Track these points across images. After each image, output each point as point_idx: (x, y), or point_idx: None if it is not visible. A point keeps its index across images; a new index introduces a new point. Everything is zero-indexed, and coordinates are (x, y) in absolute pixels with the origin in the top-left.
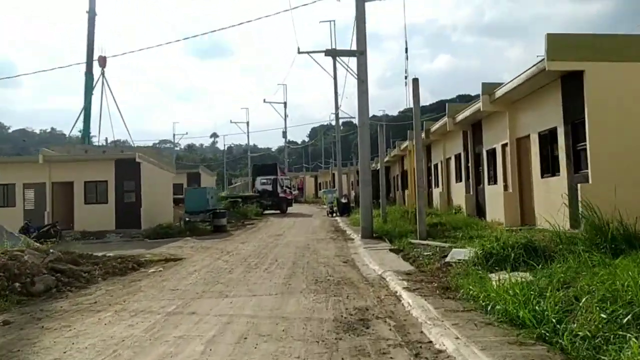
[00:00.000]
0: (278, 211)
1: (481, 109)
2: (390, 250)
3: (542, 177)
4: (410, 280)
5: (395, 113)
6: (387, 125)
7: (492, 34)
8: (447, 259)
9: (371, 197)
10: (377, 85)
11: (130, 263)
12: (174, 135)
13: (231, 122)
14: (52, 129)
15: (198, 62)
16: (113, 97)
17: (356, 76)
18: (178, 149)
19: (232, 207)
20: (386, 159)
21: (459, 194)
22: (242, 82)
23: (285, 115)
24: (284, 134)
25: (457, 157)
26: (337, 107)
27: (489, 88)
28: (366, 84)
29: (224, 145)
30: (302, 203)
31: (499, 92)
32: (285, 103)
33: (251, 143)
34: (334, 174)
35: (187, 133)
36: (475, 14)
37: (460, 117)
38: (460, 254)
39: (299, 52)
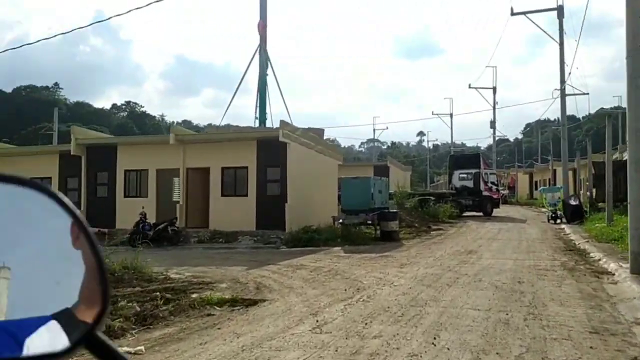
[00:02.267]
0: (480, 213)
1: None
2: None
3: None
4: None
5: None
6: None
7: None
8: None
9: None
10: (602, 78)
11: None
12: (374, 130)
13: (433, 113)
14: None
15: (408, 63)
16: (274, 74)
17: None
18: (385, 147)
19: (421, 206)
20: None
21: None
22: (452, 80)
23: (495, 102)
24: (492, 124)
25: None
26: (562, 80)
27: None
28: None
29: (427, 142)
30: (512, 204)
31: None
32: (494, 88)
33: (459, 141)
34: (554, 170)
35: (387, 127)
36: None
37: None
38: None
39: (513, 14)
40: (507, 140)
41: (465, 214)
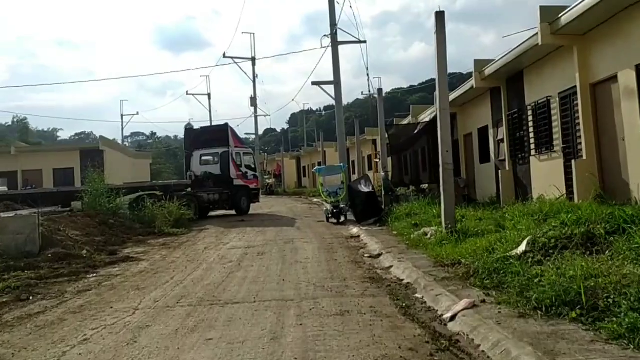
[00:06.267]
0: (233, 211)
1: None
2: None
3: None
4: None
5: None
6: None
7: (465, 21)
8: None
9: None
10: (352, 75)
11: None
12: (122, 116)
13: (187, 93)
14: None
15: (172, 56)
16: None
17: None
18: (151, 141)
19: (135, 209)
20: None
21: None
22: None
23: (254, 75)
24: (253, 100)
25: None
26: (333, 23)
27: None
28: None
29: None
30: (280, 195)
31: None
32: (253, 58)
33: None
34: (324, 151)
35: (137, 113)
36: (449, 1)
37: None
38: None
39: None
40: (274, 130)
41: (212, 214)
